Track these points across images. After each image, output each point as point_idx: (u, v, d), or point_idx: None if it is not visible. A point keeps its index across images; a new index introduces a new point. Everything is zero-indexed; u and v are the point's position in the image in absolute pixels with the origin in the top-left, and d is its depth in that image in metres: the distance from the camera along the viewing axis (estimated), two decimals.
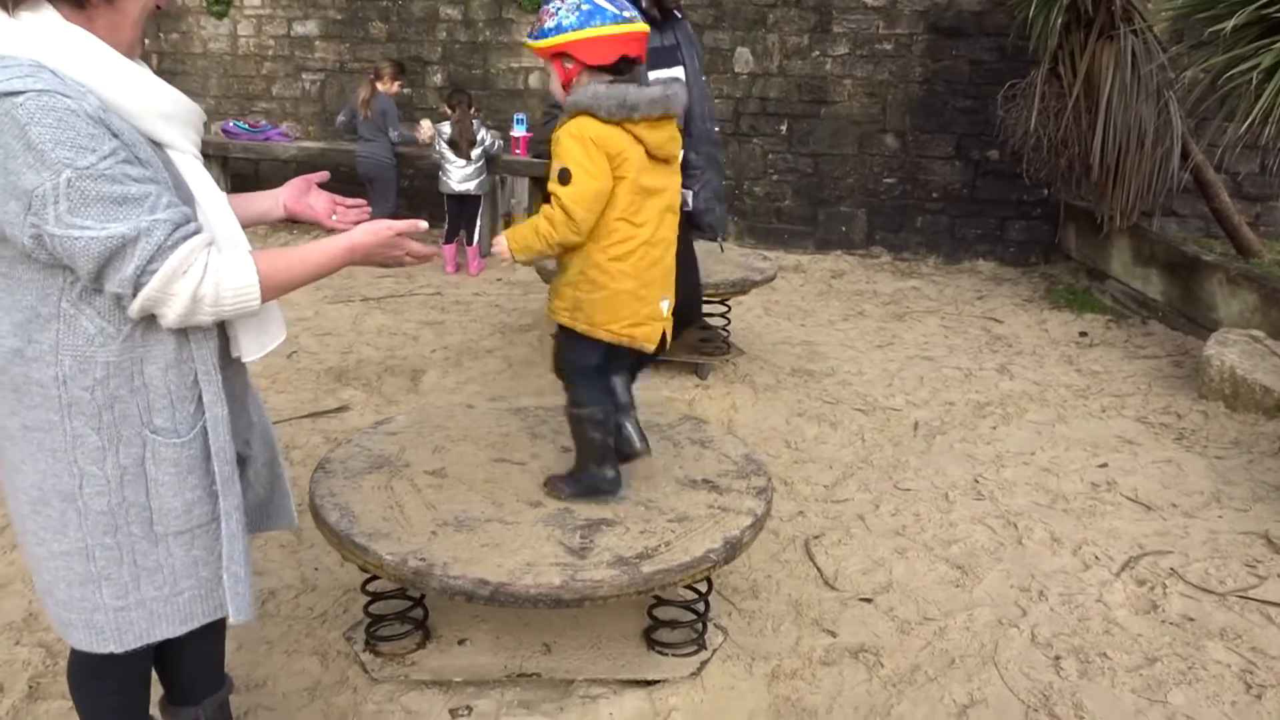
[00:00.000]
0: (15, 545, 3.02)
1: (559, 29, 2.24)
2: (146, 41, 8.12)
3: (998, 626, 2.78)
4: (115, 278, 1.45)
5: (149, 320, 1.54)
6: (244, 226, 1.76)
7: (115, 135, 1.44)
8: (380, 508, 2.27)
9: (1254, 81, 4.18)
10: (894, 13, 6.83)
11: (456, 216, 6.59)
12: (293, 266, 1.62)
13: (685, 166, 3.09)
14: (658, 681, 2.36)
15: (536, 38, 2.31)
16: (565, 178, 2.19)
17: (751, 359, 4.89)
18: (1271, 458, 3.89)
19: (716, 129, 3.47)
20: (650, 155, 2.29)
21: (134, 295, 1.47)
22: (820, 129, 7.10)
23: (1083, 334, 5.53)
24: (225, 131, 7.64)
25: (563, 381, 2.48)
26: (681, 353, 4.59)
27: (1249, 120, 4.24)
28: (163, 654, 1.86)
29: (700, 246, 5.42)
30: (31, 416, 1.55)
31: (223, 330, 1.66)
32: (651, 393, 4.42)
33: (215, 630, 1.88)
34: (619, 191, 2.25)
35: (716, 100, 7.20)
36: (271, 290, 1.59)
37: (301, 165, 7.59)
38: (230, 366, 1.71)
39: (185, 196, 1.58)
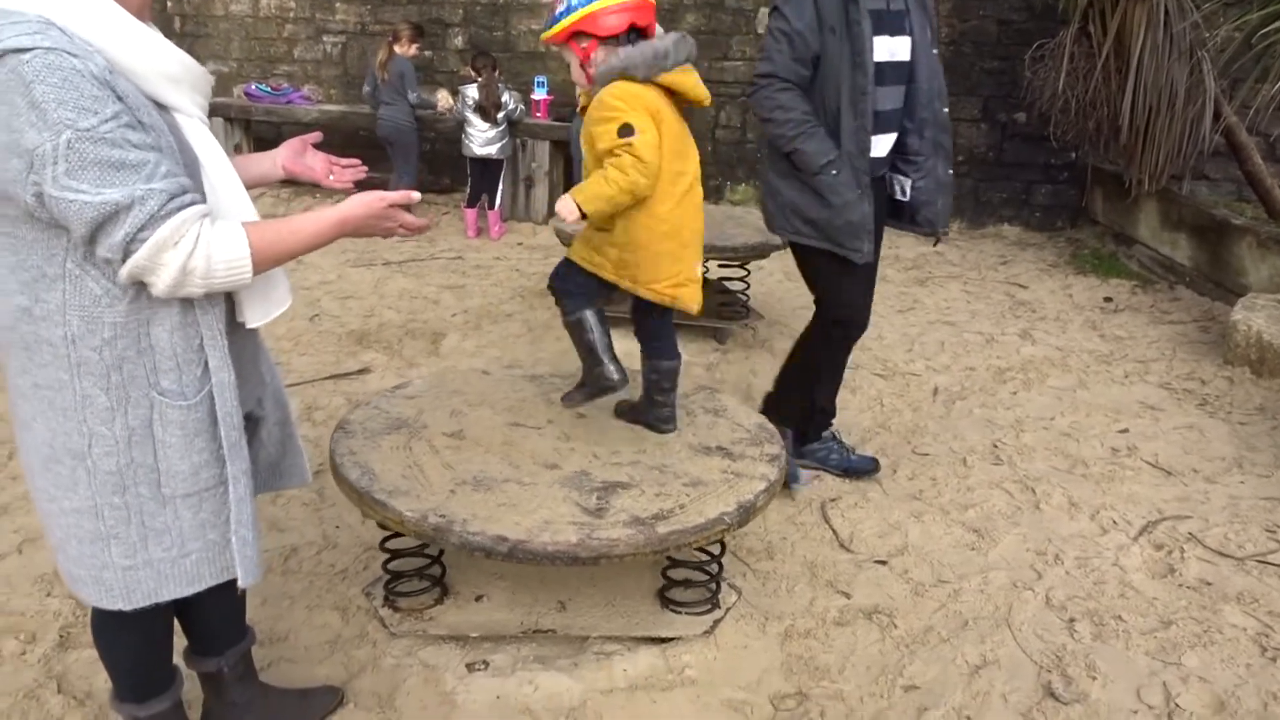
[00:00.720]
0: None
1: (570, 9, 2.33)
2: (169, 4, 8.11)
3: (1012, 589, 2.78)
4: (106, 242, 1.44)
5: None
6: (247, 189, 1.75)
7: (120, 98, 1.43)
8: (399, 467, 2.30)
9: None
10: None
11: (479, 180, 6.59)
12: (284, 239, 1.60)
13: (904, 151, 3.04)
14: (671, 639, 2.39)
15: (551, 24, 2.39)
16: (627, 131, 2.27)
17: (771, 324, 4.88)
18: None
19: (946, 109, 3.06)
20: (685, 102, 2.41)
21: (123, 261, 1.46)
22: None
23: (1107, 299, 5.48)
24: (248, 94, 7.65)
25: (554, 296, 2.60)
26: (700, 317, 4.58)
27: None
28: (184, 606, 1.89)
29: (719, 210, 5.40)
30: (42, 375, 1.56)
31: (229, 296, 1.66)
32: None
33: (233, 584, 1.93)
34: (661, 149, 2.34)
35: (738, 62, 7.13)
36: (263, 263, 1.58)
37: (323, 128, 7.56)
38: (238, 330, 1.72)
39: (190, 160, 1.58)
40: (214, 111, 7.54)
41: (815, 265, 3.11)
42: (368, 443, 2.42)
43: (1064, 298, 5.54)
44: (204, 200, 1.55)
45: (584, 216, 2.37)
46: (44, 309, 1.52)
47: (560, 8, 2.35)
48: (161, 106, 1.56)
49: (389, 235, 1.82)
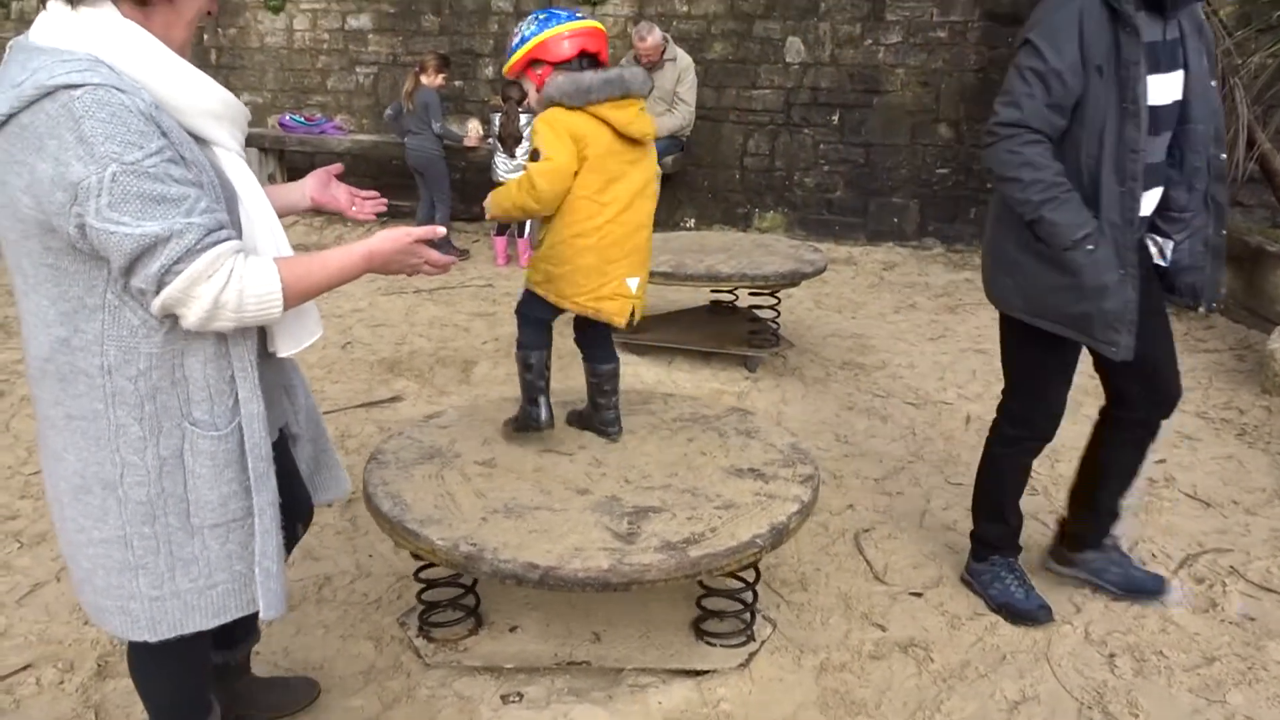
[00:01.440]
0: None
1: (523, 40, 2.51)
2: (205, 36, 8.26)
3: (1051, 623, 2.74)
4: (142, 273, 1.47)
5: None
6: (278, 218, 1.80)
7: (164, 134, 1.47)
8: (432, 496, 2.31)
9: None
10: (949, 0, 6.73)
11: None
12: (313, 273, 1.64)
13: (1167, 208, 2.53)
14: (706, 672, 2.38)
15: (508, 57, 2.56)
16: (535, 156, 2.47)
17: (801, 352, 4.87)
18: None
19: (1224, 155, 2.50)
20: (620, 135, 2.50)
21: (156, 293, 1.49)
22: (872, 119, 7.03)
23: None
24: (282, 125, 7.78)
25: (517, 321, 2.72)
26: (731, 345, 4.59)
27: None
28: None
29: (748, 238, 5.41)
30: (76, 405, 1.58)
31: (261, 326, 1.68)
32: (702, 385, 4.43)
33: None
34: (583, 172, 2.47)
35: (766, 91, 7.16)
36: (294, 297, 1.61)
37: (355, 158, 7.72)
38: (268, 359, 1.75)
39: (228, 194, 1.62)
40: (249, 142, 7.60)
41: (1029, 351, 2.65)
42: (400, 473, 2.43)
43: None
44: (239, 236, 1.58)
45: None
46: (82, 339, 1.55)
47: (515, 40, 2.54)
48: (202, 141, 1.61)
49: (414, 273, 1.84)
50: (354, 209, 2.09)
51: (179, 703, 1.92)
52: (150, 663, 1.83)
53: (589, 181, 2.48)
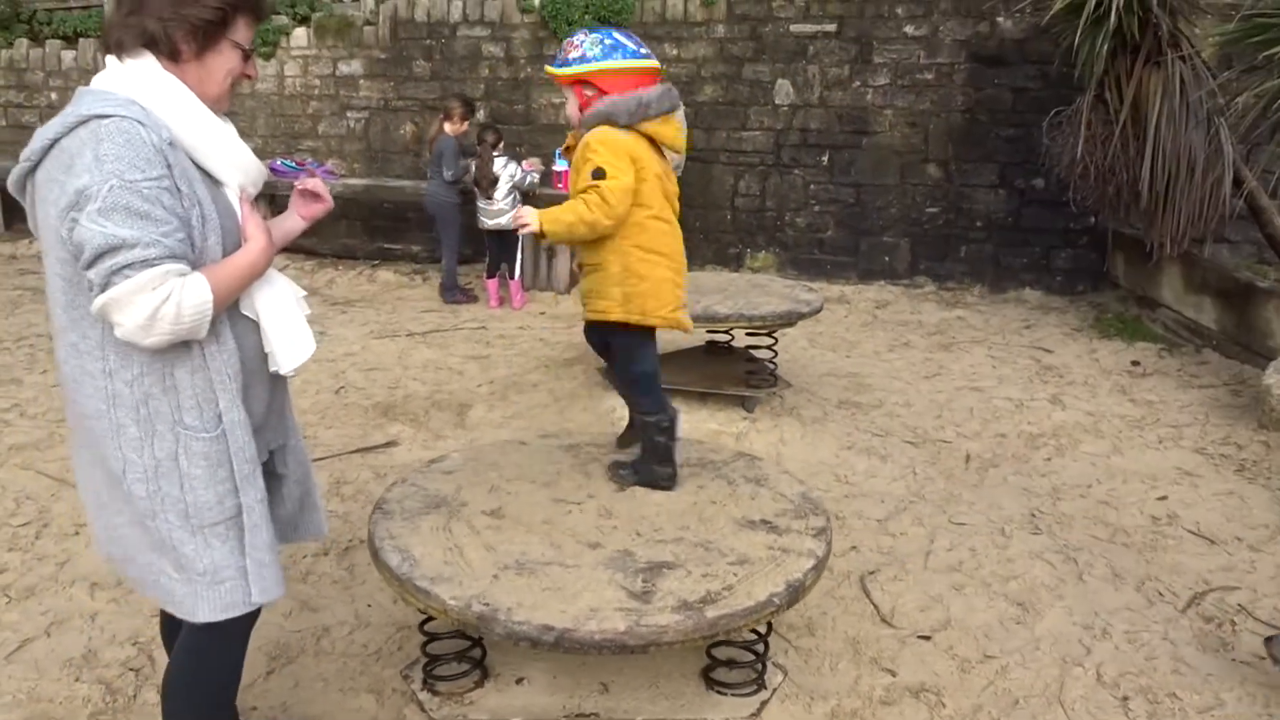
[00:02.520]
0: (74, 582, 3.06)
1: (584, 60, 2.47)
2: None
3: (1062, 665, 2.71)
4: (98, 267, 1.60)
5: None
6: (280, 247, 2.01)
7: (168, 166, 1.66)
8: (440, 550, 2.26)
9: None
10: (935, 42, 6.82)
11: (496, 252, 6.64)
12: (232, 278, 1.76)
13: None
14: None
15: (561, 66, 2.53)
16: (600, 174, 2.43)
17: (798, 391, 4.85)
18: None
19: None
20: (658, 150, 2.53)
21: (101, 290, 1.61)
22: (862, 159, 7.09)
23: (1135, 363, 5.44)
24: (273, 170, 7.77)
25: (631, 393, 2.70)
26: (729, 385, 4.57)
27: None
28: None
29: (742, 278, 5.41)
30: (87, 405, 1.76)
31: (261, 346, 1.87)
32: (699, 425, 4.40)
33: None
34: (645, 190, 2.48)
35: (756, 132, 7.22)
36: (221, 301, 1.73)
37: (346, 202, 7.71)
38: (273, 380, 1.94)
39: (233, 227, 1.80)
40: None
41: None
42: (406, 524, 2.38)
43: (1090, 362, 5.51)
44: (192, 269, 1.71)
45: (542, 234, 2.54)
46: (88, 344, 1.73)
47: (573, 54, 2.49)
48: (216, 183, 1.80)
49: (312, 218, 2.12)
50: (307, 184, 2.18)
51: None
52: (185, 687, 1.93)
53: (652, 199, 2.49)
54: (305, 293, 2.01)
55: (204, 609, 1.82)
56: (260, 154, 8.18)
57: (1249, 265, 5.91)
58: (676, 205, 2.65)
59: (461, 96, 6.87)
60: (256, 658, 2.66)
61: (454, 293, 6.76)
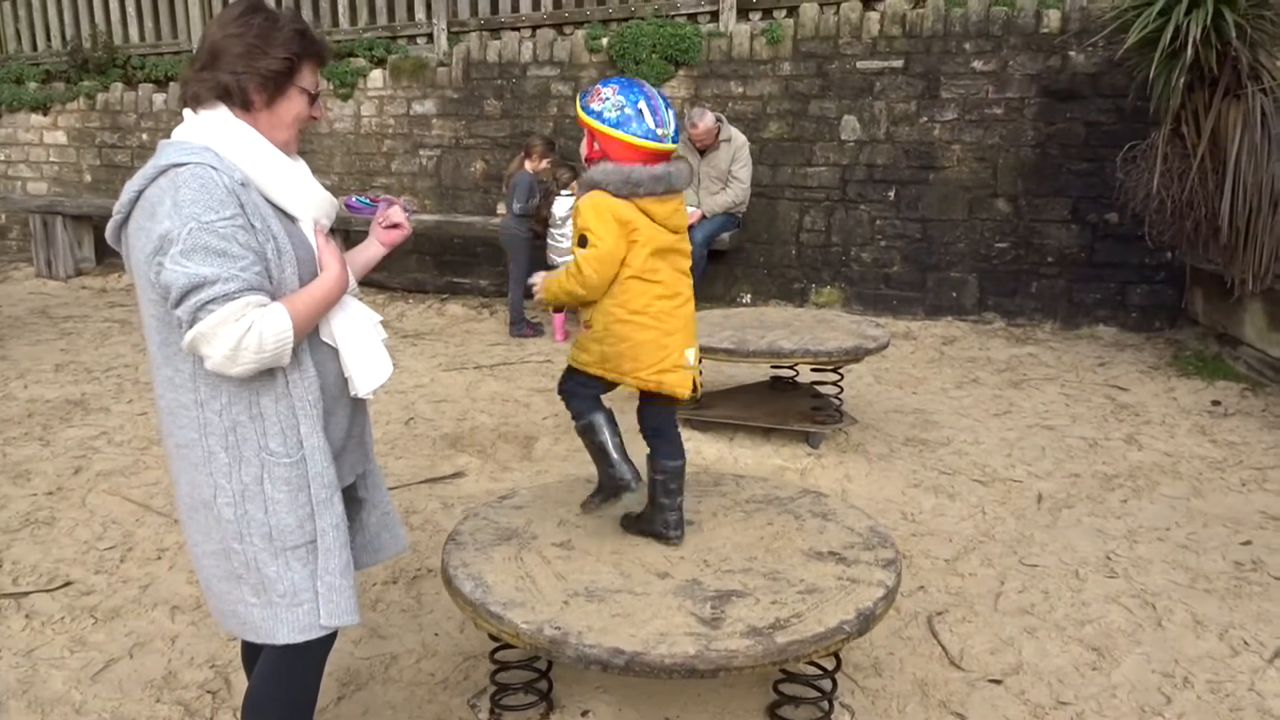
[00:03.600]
0: (155, 605, 3.16)
1: (596, 116, 2.47)
2: None
3: (1140, 714, 2.63)
4: (185, 305, 1.71)
5: None
6: (361, 276, 2.13)
7: (241, 205, 1.76)
8: (512, 578, 2.30)
9: None
10: (1004, 77, 6.77)
11: None
12: (310, 305, 1.85)
13: None
14: None
15: (583, 107, 2.52)
16: (583, 242, 2.46)
17: (864, 428, 4.81)
18: None
19: None
20: (661, 226, 2.50)
21: (190, 326, 1.71)
22: (929, 194, 7.04)
23: (1216, 403, 5.28)
24: (349, 206, 8.01)
25: (563, 401, 2.68)
26: (794, 421, 4.56)
27: None
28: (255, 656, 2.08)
29: (807, 313, 5.40)
30: (181, 435, 1.86)
31: (339, 370, 1.94)
32: (763, 461, 4.39)
33: None
34: (634, 254, 2.48)
35: (822, 168, 7.23)
36: (301, 329, 1.81)
37: (418, 237, 7.90)
38: (354, 406, 2.02)
39: (308, 257, 1.89)
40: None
41: None
42: (479, 554, 2.43)
43: (1168, 401, 5.36)
44: (271, 300, 1.79)
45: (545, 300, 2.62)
46: (181, 378, 1.83)
47: (594, 104, 2.46)
48: (291, 219, 1.91)
49: (389, 244, 2.19)
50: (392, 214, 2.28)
51: None
52: (265, 707, 1.99)
53: (640, 260, 2.47)
54: (380, 318, 2.07)
55: (283, 631, 1.88)
56: (336, 191, 8.48)
57: None
58: (683, 266, 2.60)
59: (544, 136, 7.03)
60: (328, 684, 2.71)
61: (521, 326, 6.86)
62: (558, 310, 6.73)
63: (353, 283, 2.08)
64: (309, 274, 1.88)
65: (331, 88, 8.46)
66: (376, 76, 8.43)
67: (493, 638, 2.23)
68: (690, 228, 6.70)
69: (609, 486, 2.62)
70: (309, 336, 1.88)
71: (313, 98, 1.93)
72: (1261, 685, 2.75)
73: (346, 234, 8.09)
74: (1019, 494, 4.10)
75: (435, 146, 8.33)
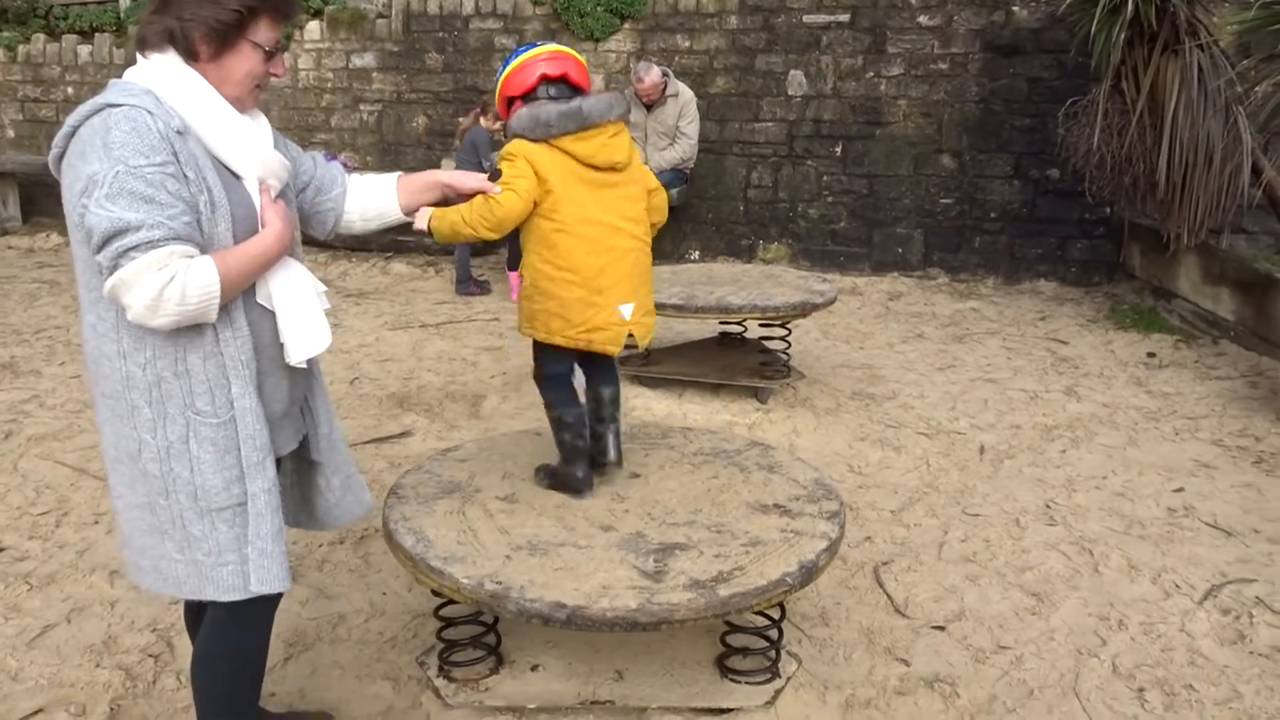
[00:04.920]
0: (93, 570, 3.09)
1: (495, 81, 2.54)
2: None
3: (1077, 656, 2.70)
4: (107, 250, 1.65)
5: None
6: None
7: (175, 153, 1.71)
8: (454, 532, 2.28)
9: None
10: (949, 32, 6.79)
11: (515, 242, 6.65)
12: (244, 263, 1.78)
13: None
14: (731, 710, 2.33)
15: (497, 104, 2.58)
16: (495, 177, 2.43)
17: (811, 382, 4.85)
18: None
19: None
20: (588, 166, 2.46)
21: (110, 273, 1.66)
22: (875, 150, 7.07)
23: (1151, 355, 5.41)
24: None
25: (538, 388, 2.67)
26: (742, 376, 4.57)
27: None
28: (198, 621, 2.07)
29: (756, 269, 5.41)
30: (105, 385, 1.81)
31: (275, 336, 1.89)
32: (712, 416, 4.40)
33: None
34: (550, 205, 2.43)
35: (769, 124, 7.20)
36: (231, 286, 1.75)
37: None
38: (296, 371, 1.96)
39: (249, 214, 1.83)
40: None
41: None
42: (421, 508, 2.40)
43: (1106, 353, 5.48)
44: (202, 253, 1.74)
45: (429, 230, 2.49)
46: (104, 326, 1.77)
47: (496, 85, 2.56)
48: (235, 175, 1.84)
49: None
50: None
51: (233, 706, 2.01)
52: (214, 658, 1.98)
53: (563, 213, 2.43)
54: (325, 287, 2.02)
55: (209, 589, 1.86)
56: None
57: (1267, 256, 5.87)
58: (623, 212, 2.52)
59: None
60: (274, 645, 2.67)
61: (467, 284, 6.78)
62: (511, 267, 6.66)
63: (298, 247, 2.03)
64: (246, 233, 1.81)
65: None
66: (314, 28, 8.19)
67: (435, 593, 2.21)
68: None
69: (561, 481, 2.59)
70: (244, 296, 1.82)
71: (269, 54, 1.85)
72: (1191, 626, 2.85)
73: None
74: (962, 446, 4.18)
75: (376, 101, 8.14)
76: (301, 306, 1.89)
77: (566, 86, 2.48)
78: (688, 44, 7.30)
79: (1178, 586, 3.07)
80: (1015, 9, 6.64)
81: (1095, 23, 5.44)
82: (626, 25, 7.42)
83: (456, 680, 2.38)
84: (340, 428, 2.18)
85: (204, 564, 1.84)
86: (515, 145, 2.44)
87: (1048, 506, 3.61)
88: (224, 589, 1.85)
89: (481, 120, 6.61)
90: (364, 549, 3.24)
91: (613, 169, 2.49)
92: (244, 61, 1.81)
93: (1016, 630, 2.83)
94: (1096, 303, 6.51)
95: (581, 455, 2.56)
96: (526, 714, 2.33)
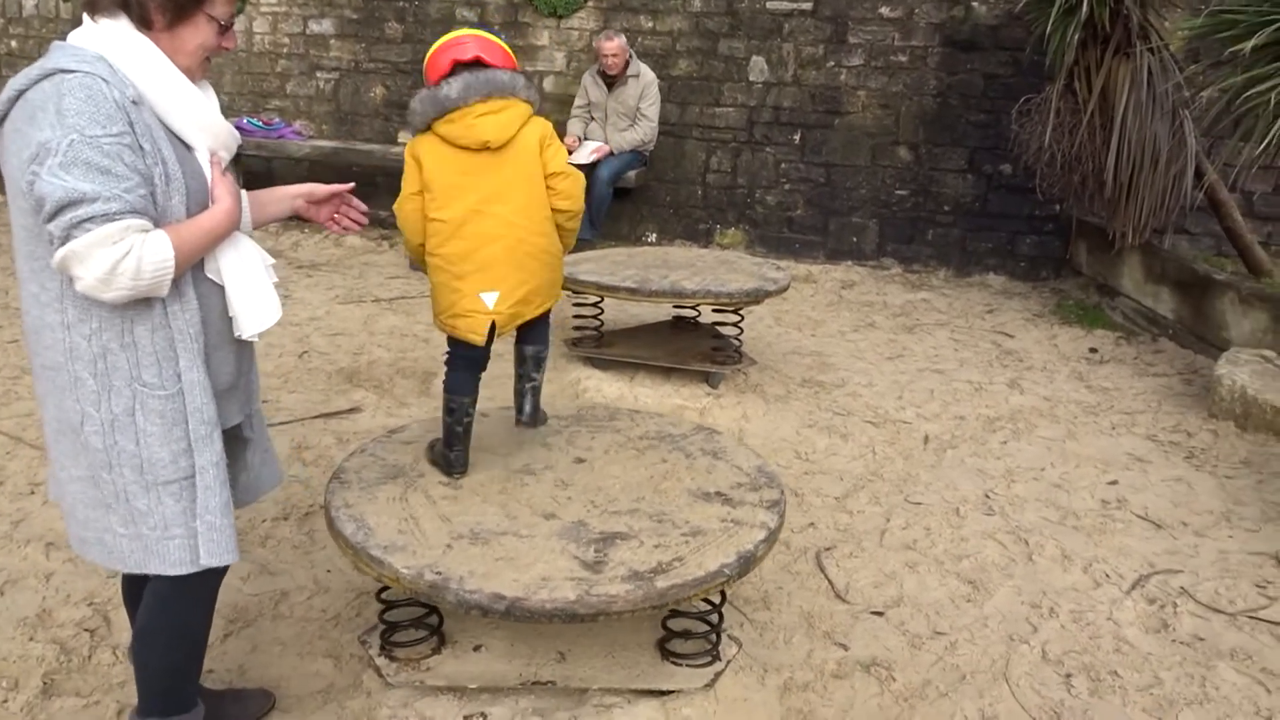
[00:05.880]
0: (28, 541, 3.03)
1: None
2: None
3: (1009, 642, 2.78)
4: (58, 220, 1.62)
5: None
6: (261, 224, 2.09)
7: (131, 124, 1.67)
8: (395, 520, 2.28)
9: (1272, 103, 4.18)
10: (910, 25, 6.84)
11: None
12: (196, 237, 1.77)
13: None
14: (671, 692, 2.37)
15: None
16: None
17: (762, 369, 4.89)
18: None
19: None
20: (459, 148, 2.45)
21: (62, 243, 1.63)
22: (833, 139, 7.11)
23: (1093, 350, 5.54)
24: (239, 128, 7.63)
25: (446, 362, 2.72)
26: (694, 361, 4.60)
27: (1265, 141, 4.24)
28: (136, 600, 2.06)
29: (710, 254, 5.43)
30: (47, 356, 1.78)
31: (225, 310, 1.88)
32: (663, 400, 4.43)
33: None
34: (428, 193, 2.48)
35: (729, 109, 7.21)
36: (184, 260, 1.74)
37: (314, 164, 7.62)
38: (241, 346, 1.96)
39: (201, 187, 1.81)
40: None
41: None
42: (363, 494, 2.39)
43: (1050, 348, 5.60)
44: (155, 227, 1.72)
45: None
46: (48, 296, 1.74)
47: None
48: (187, 147, 1.82)
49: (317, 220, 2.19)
50: (332, 222, 2.25)
51: (172, 680, 2.00)
52: (156, 634, 1.96)
53: (432, 200, 2.46)
54: (274, 260, 2.01)
55: (154, 562, 1.84)
56: (226, 112, 8.05)
57: (1207, 257, 6.02)
58: (494, 195, 2.46)
59: None
60: (214, 620, 2.65)
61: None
62: None
63: (248, 224, 2.02)
64: (199, 206, 1.80)
65: None
66: None
67: (378, 581, 2.21)
68: (596, 164, 6.67)
69: (440, 459, 2.61)
70: (193, 270, 1.81)
71: (224, 27, 1.83)
72: (1119, 614, 2.94)
73: (237, 158, 7.73)
74: (907, 435, 4.25)
75: (333, 69, 7.99)
76: (251, 281, 1.88)
77: (481, 69, 2.45)
78: (651, 24, 7.27)
79: (1107, 576, 3.16)
80: (975, 5, 6.70)
81: (1051, 22, 5.52)
82: (590, 3, 7.36)
83: (398, 659, 2.38)
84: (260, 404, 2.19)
85: (149, 538, 1.83)
86: (408, 144, 2.51)
87: (987, 496, 3.69)
88: (171, 563, 1.85)
89: None
90: (309, 525, 3.22)
91: (485, 149, 2.44)
92: (198, 33, 1.80)
93: (952, 616, 2.90)
94: (1043, 297, 6.64)
95: (458, 440, 2.57)
96: (468, 694, 2.34)
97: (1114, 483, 3.86)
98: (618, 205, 7.14)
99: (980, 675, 2.63)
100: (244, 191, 2.07)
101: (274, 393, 4.34)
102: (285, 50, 8.07)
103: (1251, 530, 3.50)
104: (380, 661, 2.38)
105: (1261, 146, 4.28)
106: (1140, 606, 3.00)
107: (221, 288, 1.86)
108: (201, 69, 1.85)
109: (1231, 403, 4.39)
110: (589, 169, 6.48)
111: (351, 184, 2.25)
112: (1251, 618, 2.95)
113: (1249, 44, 4.29)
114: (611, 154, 6.74)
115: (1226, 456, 4.11)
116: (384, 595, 2.41)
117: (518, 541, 2.21)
